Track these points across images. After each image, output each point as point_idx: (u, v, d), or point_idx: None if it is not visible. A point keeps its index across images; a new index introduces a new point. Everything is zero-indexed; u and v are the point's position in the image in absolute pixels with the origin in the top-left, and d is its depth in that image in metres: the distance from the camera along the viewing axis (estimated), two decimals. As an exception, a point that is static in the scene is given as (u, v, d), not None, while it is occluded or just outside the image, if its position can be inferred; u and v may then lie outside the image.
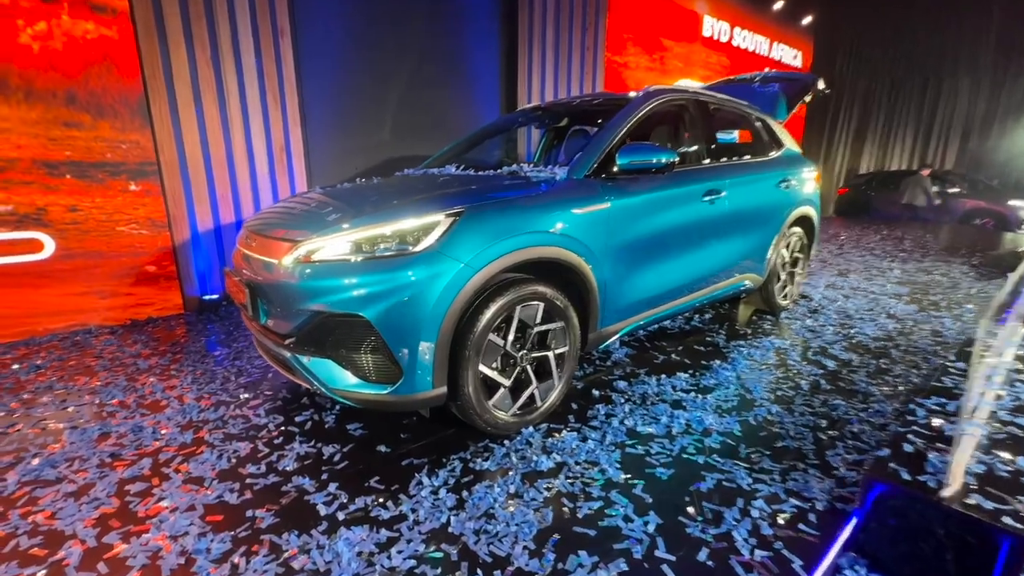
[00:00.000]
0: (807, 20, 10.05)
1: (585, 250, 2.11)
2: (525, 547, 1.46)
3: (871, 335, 3.26)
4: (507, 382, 1.99)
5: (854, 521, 1.49)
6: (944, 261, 5.89)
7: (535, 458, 1.89)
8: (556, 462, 1.88)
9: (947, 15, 11.31)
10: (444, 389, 1.81)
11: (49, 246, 3.22)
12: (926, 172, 9.13)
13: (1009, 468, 1.42)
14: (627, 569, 1.38)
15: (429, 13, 5.00)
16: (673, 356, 2.91)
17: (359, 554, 1.43)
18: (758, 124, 3.47)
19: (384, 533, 1.51)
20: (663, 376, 2.63)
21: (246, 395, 2.42)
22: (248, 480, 1.77)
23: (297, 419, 2.19)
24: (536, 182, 2.10)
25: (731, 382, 2.57)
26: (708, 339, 3.20)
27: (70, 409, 2.29)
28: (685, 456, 1.92)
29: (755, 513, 1.60)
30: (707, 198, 2.73)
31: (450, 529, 1.53)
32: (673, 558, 1.42)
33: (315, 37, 4.33)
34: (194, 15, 3.57)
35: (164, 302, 3.71)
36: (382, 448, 1.97)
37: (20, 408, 2.30)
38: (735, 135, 3.46)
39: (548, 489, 1.73)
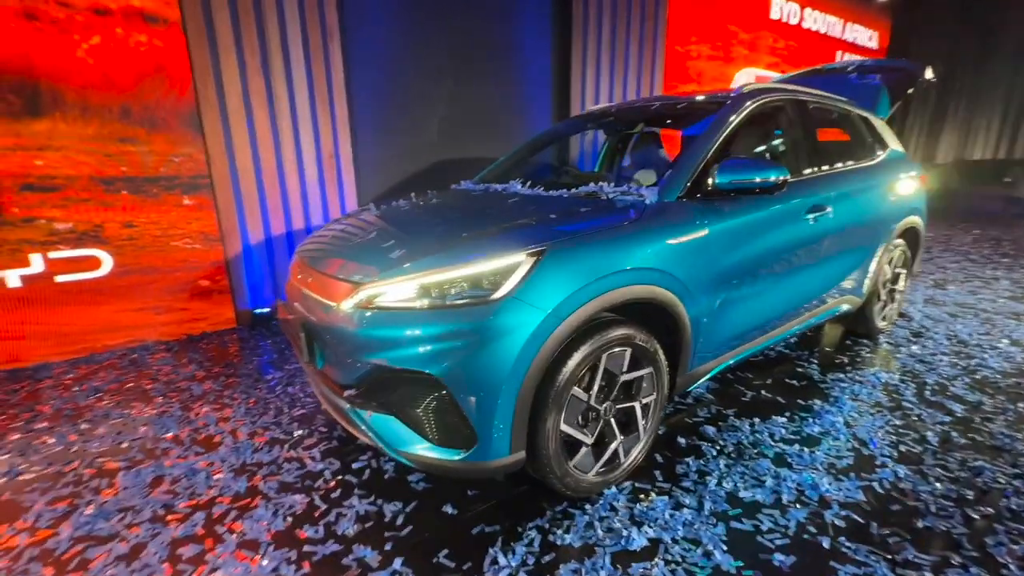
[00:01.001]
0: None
1: (679, 286, 1.82)
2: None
3: (998, 368, 2.80)
4: (590, 440, 1.74)
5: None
6: (1058, 269, 5.18)
7: (624, 531, 1.64)
8: (649, 538, 1.61)
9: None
10: (523, 454, 1.58)
11: (107, 263, 3.19)
12: None
13: None
14: None
15: (478, 9, 4.73)
16: (763, 393, 2.57)
17: (434, 666, 1.22)
18: (860, 123, 3.03)
19: (461, 635, 1.30)
20: (756, 420, 2.31)
21: (300, 431, 2.28)
22: (306, 547, 1.59)
23: (354, 466, 2.02)
24: (623, 207, 1.82)
25: (840, 430, 2.22)
26: (799, 370, 2.83)
27: (124, 445, 2.20)
28: (805, 537, 1.62)
29: (915, 632, 1.29)
30: (810, 215, 2.36)
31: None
32: None
33: (363, 39, 4.15)
34: (244, 20, 3.44)
35: (217, 316, 3.66)
36: (448, 509, 1.76)
37: (78, 441, 2.23)
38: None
39: (645, 578, 1.47)
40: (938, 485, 1.85)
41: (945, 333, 3.37)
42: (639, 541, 1.59)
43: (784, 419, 2.32)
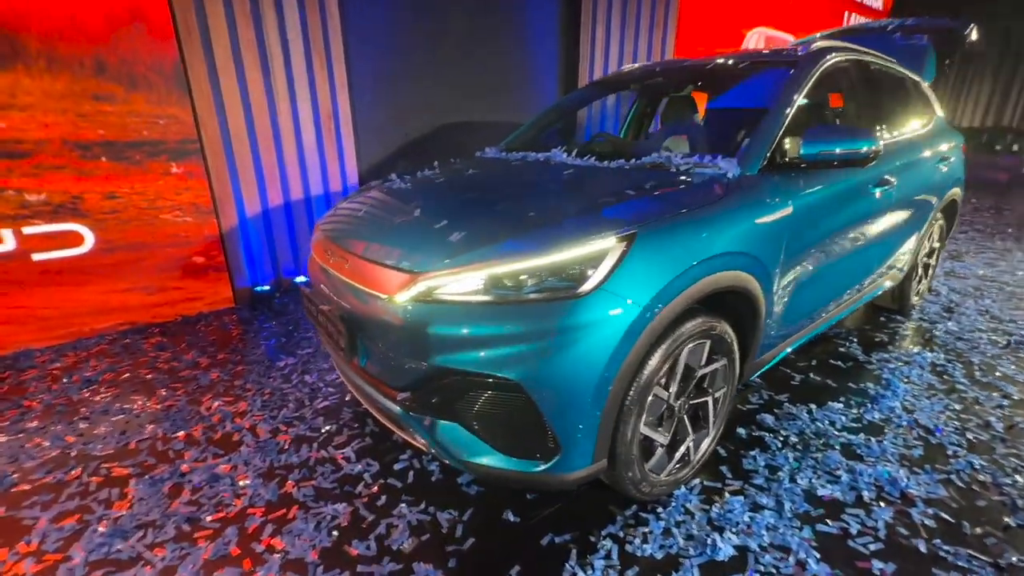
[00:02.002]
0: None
1: (760, 269, 1.64)
2: None
3: (1040, 347, 2.75)
4: (666, 439, 1.59)
5: None
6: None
7: (706, 538, 1.51)
8: (735, 546, 1.49)
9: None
10: (604, 463, 1.41)
11: (88, 239, 2.86)
12: None
13: None
14: None
15: None
16: (811, 376, 2.46)
17: None
18: (913, 88, 2.83)
19: (557, 671, 1.16)
20: (813, 406, 2.19)
21: (328, 427, 2.08)
22: (360, 567, 1.42)
23: (396, 467, 1.84)
24: (704, 182, 1.60)
25: (901, 416, 2.13)
26: (841, 350, 2.73)
27: (131, 446, 1.98)
28: (898, 540, 1.51)
29: (1044, 650, 1.20)
30: (878, 189, 2.19)
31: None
32: None
33: None
34: (229, -41, 3.02)
35: (214, 295, 3.37)
36: (509, 516, 1.61)
37: (77, 443, 2.00)
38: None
39: (743, 594, 1.35)
40: (1018, 478, 1.77)
41: (976, 308, 3.31)
42: (725, 550, 1.47)
43: (840, 405, 2.21)
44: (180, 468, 1.84)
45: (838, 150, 1.67)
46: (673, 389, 1.53)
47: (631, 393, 1.38)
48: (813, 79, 1.95)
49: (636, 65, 2.78)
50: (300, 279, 3.77)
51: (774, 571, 1.41)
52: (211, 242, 3.28)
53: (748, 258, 1.57)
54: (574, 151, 2.11)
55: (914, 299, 3.18)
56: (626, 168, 1.82)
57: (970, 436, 2.00)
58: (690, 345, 1.51)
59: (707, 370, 1.62)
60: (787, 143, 1.74)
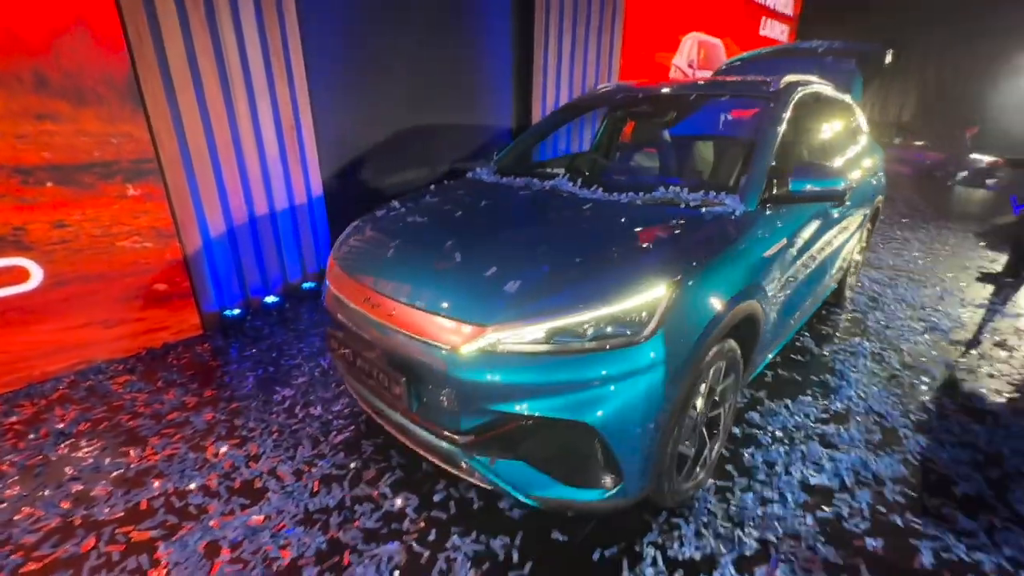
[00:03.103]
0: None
1: (763, 295, 1.86)
2: None
3: (948, 330, 3.28)
4: (692, 452, 1.78)
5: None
6: (948, 228, 6.11)
7: (732, 536, 1.72)
8: (756, 539, 1.72)
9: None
10: (654, 483, 1.57)
11: (35, 273, 2.56)
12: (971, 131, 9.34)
13: None
14: None
15: None
16: (780, 371, 2.79)
17: None
18: (849, 110, 3.22)
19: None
20: (788, 401, 2.51)
21: (353, 463, 2.07)
22: (433, 606, 1.49)
23: (435, 498, 1.89)
24: (719, 221, 1.78)
25: (858, 405, 2.49)
26: (799, 344, 3.10)
27: (143, 504, 1.86)
28: (880, 518, 1.82)
29: (1000, 597, 1.53)
30: (836, 210, 2.51)
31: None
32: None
33: None
34: (179, -41, 2.76)
35: (180, 323, 3.15)
36: (557, 536, 1.73)
37: (77, 508, 1.84)
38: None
39: (774, 581, 1.57)
40: (953, 451, 2.16)
41: (894, 297, 3.87)
42: (750, 544, 1.69)
43: (809, 398, 2.54)
44: (209, 524, 1.77)
45: (820, 188, 1.92)
46: (699, 408, 1.72)
47: (676, 419, 1.54)
48: (789, 112, 2.20)
49: (611, 87, 2.92)
50: (272, 298, 3.60)
51: (793, 558, 1.65)
52: (174, 267, 3.04)
53: (758, 288, 1.78)
54: (579, 180, 2.22)
55: (848, 292, 3.66)
56: (639, 203, 1.95)
57: (913, 418, 2.39)
58: (713, 368, 1.70)
59: (723, 386, 1.83)
60: (777, 181, 1.96)
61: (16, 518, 1.80)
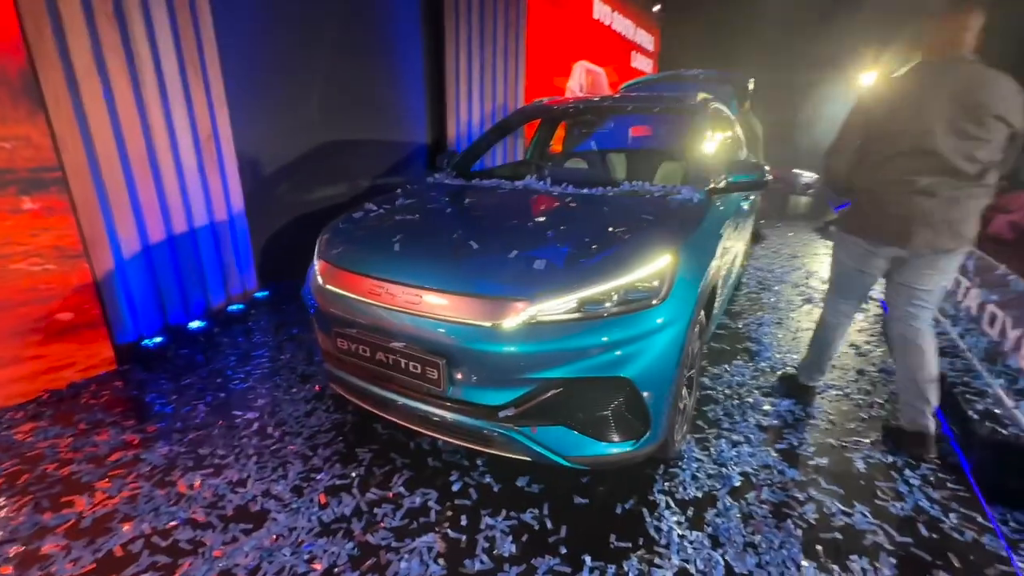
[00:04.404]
0: (657, 7, 11.16)
1: (718, 263, 2.20)
2: (803, 567, 1.59)
3: (818, 301, 4.06)
4: (683, 405, 2.03)
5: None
6: (794, 226, 7.46)
7: (720, 474, 2.00)
8: (739, 473, 2.02)
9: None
10: (666, 433, 1.78)
11: (-101, 306, 2.06)
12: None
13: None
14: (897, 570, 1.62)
15: None
16: (712, 344, 3.23)
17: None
18: (734, 123, 3.88)
19: (692, 595, 1.48)
20: (725, 365, 2.93)
21: (354, 472, 1.98)
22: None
23: (454, 488, 1.91)
24: (682, 203, 2.09)
25: (776, 362, 3.00)
26: (720, 322, 3.61)
27: (115, 550, 1.60)
28: (819, 439, 2.24)
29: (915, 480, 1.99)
30: (745, 201, 3.03)
31: (757, 560, 1.57)
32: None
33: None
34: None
35: (90, 358, 2.69)
36: (580, 500, 1.86)
37: (29, 572, 1.52)
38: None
39: (761, 503, 1.86)
40: (848, 390, 2.72)
41: (773, 278, 4.66)
42: (736, 478, 1.98)
43: (741, 361, 3.00)
44: (211, 556, 1.59)
45: (751, 179, 2.34)
46: (689, 363, 1.98)
47: (682, 372, 1.77)
48: (708, 122, 2.64)
49: (562, 99, 3.20)
50: (196, 324, 3.23)
51: (769, 482, 1.97)
52: (82, 292, 2.63)
53: (714, 256, 2.11)
54: (548, 179, 2.42)
55: (744, 276, 4.34)
56: (611, 195, 2.21)
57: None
58: (695, 327, 1.98)
59: (697, 345, 2.12)
60: (721, 174, 2.35)
61: (-60, 598, 1.45)
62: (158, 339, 3.00)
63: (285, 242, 4.14)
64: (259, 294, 3.78)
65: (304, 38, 3.97)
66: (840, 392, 2.68)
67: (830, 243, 5.87)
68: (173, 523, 1.73)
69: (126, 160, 2.80)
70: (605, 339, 1.52)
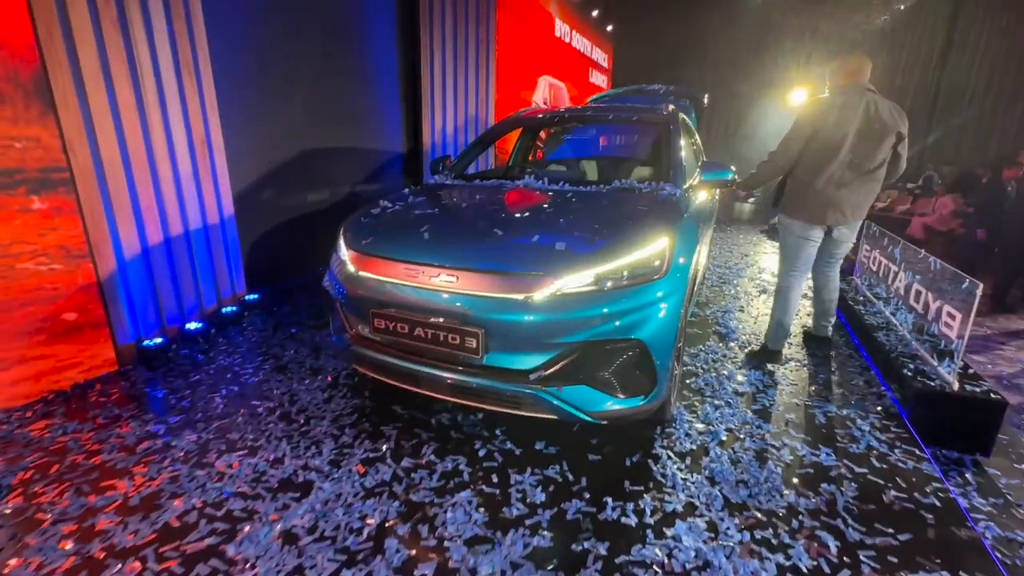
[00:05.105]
0: (610, 27, 11.86)
1: (698, 244, 2.52)
2: (785, 494, 1.90)
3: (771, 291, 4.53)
4: (678, 372, 2.32)
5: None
6: (743, 229, 8.11)
7: (709, 431, 2.31)
8: (724, 429, 2.33)
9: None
10: (667, 393, 2.06)
11: (-90, 305, 2.05)
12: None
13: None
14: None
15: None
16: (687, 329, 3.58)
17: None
18: (695, 132, 4.32)
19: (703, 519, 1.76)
20: (700, 346, 3.28)
21: (385, 446, 2.14)
22: (527, 522, 1.73)
23: (480, 454, 2.10)
24: (671, 198, 2.40)
25: (744, 340, 3.38)
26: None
27: (172, 522, 1.69)
28: (787, 402, 2.60)
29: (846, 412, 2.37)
30: (712, 201, 3.42)
31: (748, 492, 1.86)
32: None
33: (217, 9, 3.47)
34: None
35: (92, 359, 2.69)
36: (593, 457, 2.10)
37: (89, 545, 1.59)
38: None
39: (745, 450, 2.18)
40: (813, 359, 3.13)
41: (733, 274, 5.13)
42: (722, 433, 2.29)
43: (713, 342, 3.36)
44: (269, 519, 1.72)
45: (721, 177, 2.70)
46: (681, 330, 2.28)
47: (680, 338, 2.06)
48: (679, 128, 3.00)
49: (548, 108, 3.50)
50: (193, 325, 3.25)
51: (750, 435, 2.29)
52: (86, 293, 2.64)
53: (699, 243, 2.44)
54: (545, 179, 2.69)
55: (707, 272, 4.77)
56: (606, 191, 2.50)
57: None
58: (689, 301, 2.29)
59: (682, 321, 2.43)
60: (696, 172, 2.70)
61: (8, 573, 1.50)
62: (158, 340, 3.01)
63: (271, 246, 4.20)
64: (249, 297, 3.81)
65: (289, 51, 4.09)
66: (799, 363, 3.08)
67: (776, 243, 6.51)
68: (223, 496, 1.83)
69: (128, 163, 2.84)
70: (618, 308, 1.79)
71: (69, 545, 1.60)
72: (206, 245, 3.47)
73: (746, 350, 3.22)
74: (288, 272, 4.47)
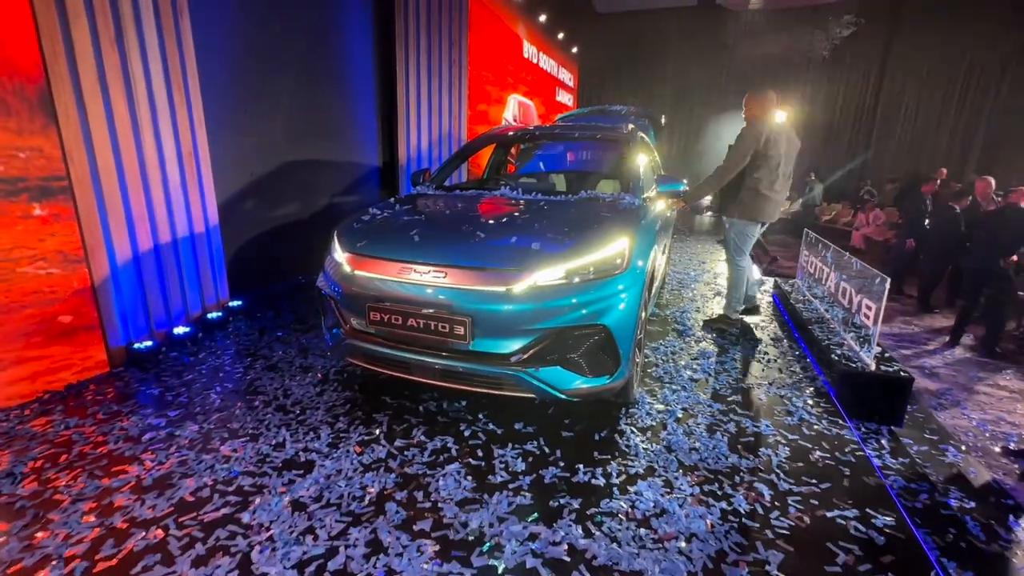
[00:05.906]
0: (575, 49, 12.46)
1: (654, 249, 2.86)
2: (729, 457, 2.22)
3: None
4: (639, 362, 2.63)
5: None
6: (701, 239, 8.64)
7: (667, 410, 2.62)
8: (681, 408, 2.64)
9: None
10: (630, 375, 2.36)
11: (-83, 306, 2.14)
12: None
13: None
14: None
15: (305, 19, 4.66)
16: (647, 327, 3.93)
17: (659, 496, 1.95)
18: (653, 149, 4.73)
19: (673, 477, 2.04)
20: (660, 341, 3.61)
21: (377, 430, 2.35)
22: (511, 486, 1.98)
23: (465, 434, 2.34)
24: (631, 207, 2.72)
25: (699, 336, 3.74)
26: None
27: (187, 497, 1.86)
28: (737, 386, 2.95)
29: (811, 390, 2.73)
30: (669, 211, 3.80)
31: (699, 456, 2.16)
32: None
33: (205, 27, 3.66)
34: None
35: (85, 361, 2.79)
36: (566, 433, 2.37)
37: (112, 517, 1.74)
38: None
39: (697, 425, 2.49)
40: (765, 349, 3.51)
41: (691, 278, 5.55)
42: (678, 412, 2.61)
43: (672, 338, 3.70)
44: (278, 491, 1.90)
45: (673, 189, 3.06)
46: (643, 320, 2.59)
47: (640, 327, 2.36)
48: (638, 146, 3.37)
49: (518, 126, 3.82)
50: (181, 329, 3.36)
51: (702, 412, 2.61)
52: (81, 296, 2.75)
53: (654, 246, 2.77)
54: (519, 190, 2.99)
55: (667, 278, 5.16)
56: (574, 200, 2.81)
57: (732, 341, 3.72)
58: (645, 295, 2.60)
59: (643, 315, 2.75)
60: (652, 185, 3.05)
61: (38, 543, 1.64)
62: (147, 343, 3.12)
63: (253, 254, 4.34)
64: (233, 303, 3.93)
65: (272, 69, 4.30)
66: (747, 354, 3.45)
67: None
68: (231, 476, 2.00)
69: (122, 172, 2.98)
70: (585, 299, 2.08)
71: (92, 519, 1.75)
72: (192, 252, 3.60)
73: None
74: (269, 279, 4.60)
